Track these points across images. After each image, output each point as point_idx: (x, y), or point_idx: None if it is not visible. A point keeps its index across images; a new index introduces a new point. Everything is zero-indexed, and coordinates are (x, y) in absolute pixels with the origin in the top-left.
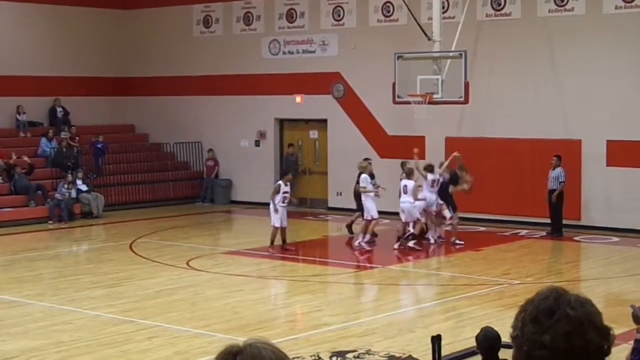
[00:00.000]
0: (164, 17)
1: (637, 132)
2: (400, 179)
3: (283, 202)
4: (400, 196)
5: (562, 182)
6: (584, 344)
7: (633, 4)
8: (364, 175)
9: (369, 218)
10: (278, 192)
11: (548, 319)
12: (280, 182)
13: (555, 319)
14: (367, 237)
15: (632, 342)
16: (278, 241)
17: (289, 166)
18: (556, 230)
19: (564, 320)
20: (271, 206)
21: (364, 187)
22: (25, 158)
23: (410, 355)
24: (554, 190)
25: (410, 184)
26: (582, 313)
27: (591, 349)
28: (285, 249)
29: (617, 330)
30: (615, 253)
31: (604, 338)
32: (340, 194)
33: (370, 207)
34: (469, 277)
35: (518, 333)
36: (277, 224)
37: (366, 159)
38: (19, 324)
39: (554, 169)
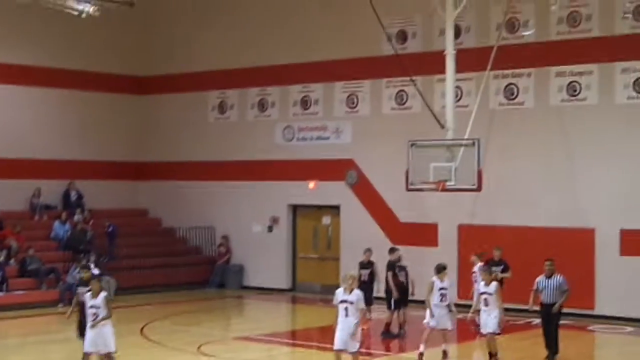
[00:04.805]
0: (179, 102)
1: None
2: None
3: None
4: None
5: (566, 290)
6: None
7: None
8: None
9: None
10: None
11: None
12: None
13: None
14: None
15: None
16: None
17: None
18: (555, 352)
19: None
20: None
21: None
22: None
23: None
24: (551, 304)
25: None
26: None
27: None
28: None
29: None
30: (630, 343)
31: None
32: None
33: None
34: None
35: None
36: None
37: None
38: None
39: (549, 277)
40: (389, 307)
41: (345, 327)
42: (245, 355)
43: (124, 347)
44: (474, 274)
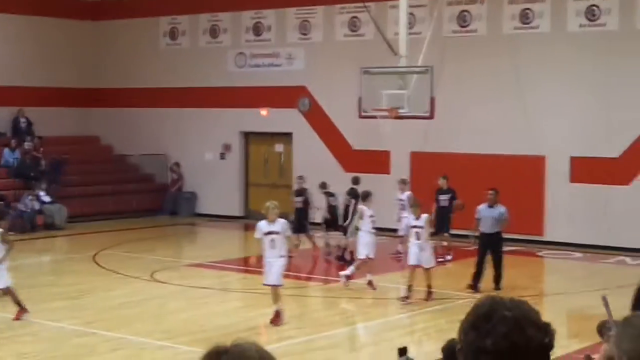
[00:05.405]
0: (130, 28)
1: (600, 149)
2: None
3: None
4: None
5: (505, 221)
6: (525, 341)
7: (596, 22)
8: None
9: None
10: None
11: (486, 323)
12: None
13: (493, 322)
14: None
15: (596, 356)
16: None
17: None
18: (498, 283)
19: (502, 321)
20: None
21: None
22: None
23: None
24: (489, 233)
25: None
26: (517, 313)
27: (533, 344)
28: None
29: (580, 345)
30: (578, 269)
31: (544, 333)
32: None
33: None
34: (433, 290)
35: (462, 344)
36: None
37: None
38: None
39: (491, 206)
40: (345, 233)
41: (273, 262)
42: (198, 282)
43: (77, 275)
44: (400, 202)
